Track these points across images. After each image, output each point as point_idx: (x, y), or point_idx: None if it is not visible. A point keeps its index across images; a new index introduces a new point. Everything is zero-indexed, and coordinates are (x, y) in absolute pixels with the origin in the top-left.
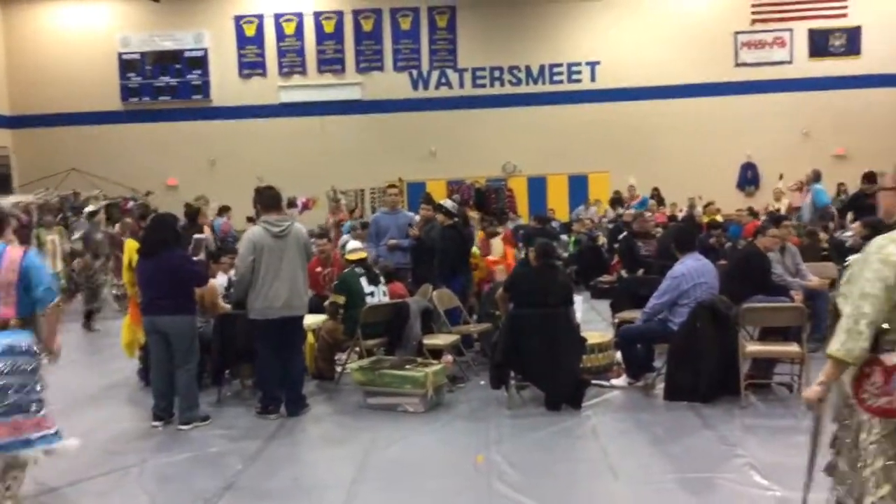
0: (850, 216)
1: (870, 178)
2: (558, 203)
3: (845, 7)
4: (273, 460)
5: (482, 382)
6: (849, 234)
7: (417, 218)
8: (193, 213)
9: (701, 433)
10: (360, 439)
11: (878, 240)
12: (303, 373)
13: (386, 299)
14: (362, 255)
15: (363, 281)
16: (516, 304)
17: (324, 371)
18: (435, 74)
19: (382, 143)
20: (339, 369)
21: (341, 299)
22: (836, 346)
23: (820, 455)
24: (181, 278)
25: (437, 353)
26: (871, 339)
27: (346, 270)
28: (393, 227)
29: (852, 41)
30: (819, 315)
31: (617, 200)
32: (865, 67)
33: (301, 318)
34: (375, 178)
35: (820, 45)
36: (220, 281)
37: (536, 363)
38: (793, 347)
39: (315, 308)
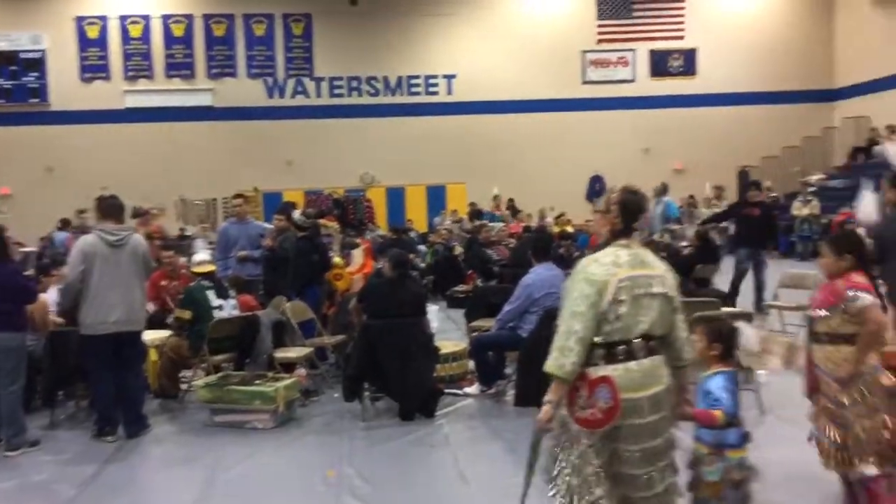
0: (684, 226)
1: (755, 185)
2: (417, 214)
3: (682, 30)
4: (109, 485)
5: (336, 395)
6: (685, 243)
7: (270, 228)
8: None
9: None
10: (205, 459)
11: (584, 259)
12: (142, 391)
13: (235, 313)
14: (210, 267)
15: (211, 294)
16: (370, 315)
17: (167, 389)
18: (291, 82)
19: (236, 151)
20: (184, 387)
21: (187, 314)
22: (549, 362)
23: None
24: (6, 293)
25: (289, 366)
26: (582, 354)
27: (192, 284)
28: (243, 237)
29: (689, 62)
30: None
31: (475, 212)
32: (701, 87)
33: (138, 333)
34: (229, 188)
35: (660, 65)
36: (50, 296)
37: (390, 374)
38: None
39: (160, 323)
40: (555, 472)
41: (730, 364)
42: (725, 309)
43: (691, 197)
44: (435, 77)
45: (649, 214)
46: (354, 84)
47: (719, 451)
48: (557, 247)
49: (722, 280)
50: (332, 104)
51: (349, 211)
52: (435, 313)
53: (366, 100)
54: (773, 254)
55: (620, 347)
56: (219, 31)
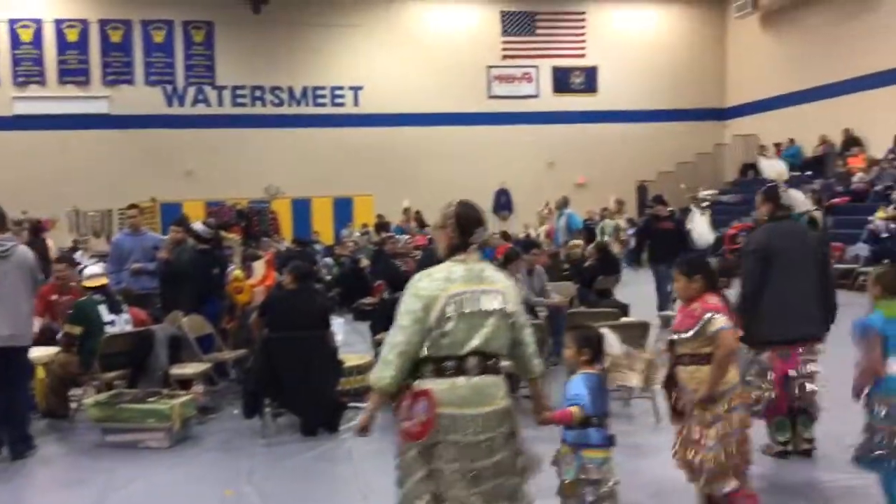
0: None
1: (659, 201)
2: (323, 226)
3: (584, 49)
4: None
5: (236, 412)
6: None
7: (166, 239)
8: None
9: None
10: (95, 481)
11: (417, 274)
12: (28, 410)
13: (128, 328)
14: (101, 281)
15: (102, 309)
16: (271, 328)
17: (55, 408)
18: (191, 91)
19: (133, 160)
20: (74, 406)
21: (77, 329)
22: (371, 373)
23: None
24: None
25: (186, 383)
26: (403, 368)
27: (82, 298)
28: (137, 249)
29: (590, 79)
30: (559, 331)
31: (382, 224)
32: (601, 104)
33: (24, 349)
34: (125, 198)
35: (562, 81)
36: None
37: (292, 388)
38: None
39: (50, 339)
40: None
41: (596, 369)
42: (625, 319)
43: (604, 209)
44: (341, 89)
45: (555, 227)
46: (258, 94)
47: (577, 450)
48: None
49: (626, 292)
50: (234, 113)
51: (254, 223)
52: (340, 326)
53: (270, 110)
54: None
55: (450, 363)
56: (115, 36)
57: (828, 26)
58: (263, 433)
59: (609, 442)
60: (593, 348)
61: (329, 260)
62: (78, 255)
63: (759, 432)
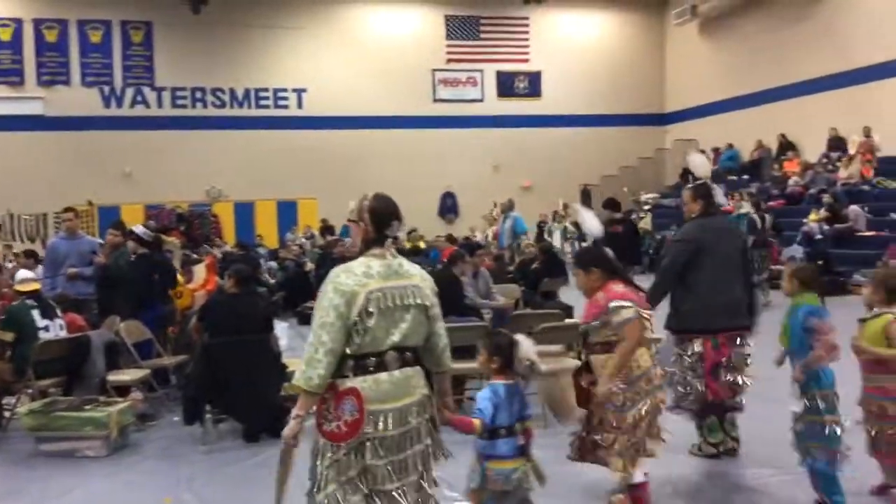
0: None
1: (611, 205)
2: (267, 229)
3: (527, 54)
4: None
5: (176, 419)
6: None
7: (103, 243)
8: None
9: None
10: (29, 491)
11: (335, 269)
12: None
13: (63, 334)
14: (34, 286)
15: (35, 314)
16: (212, 333)
17: None
18: (130, 92)
19: (70, 162)
20: (7, 414)
21: (8, 336)
22: (297, 375)
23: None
24: None
25: (123, 389)
26: (331, 366)
27: (14, 303)
28: (73, 253)
29: (534, 84)
30: None
31: (327, 228)
32: (545, 108)
33: None
34: (61, 201)
35: (507, 86)
36: None
37: (233, 394)
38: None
39: None
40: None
41: (509, 376)
42: (569, 320)
43: (556, 212)
44: (285, 90)
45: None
46: (199, 95)
47: (482, 460)
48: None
49: (575, 294)
50: (174, 115)
51: (195, 226)
52: (284, 330)
53: (211, 111)
54: (635, 269)
55: (371, 359)
56: (50, 36)
57: (764, 34)
58: (204, 440)
59: (520, 452)
60: (505, 355)
61: (273, 264)
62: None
63: (686, 431)
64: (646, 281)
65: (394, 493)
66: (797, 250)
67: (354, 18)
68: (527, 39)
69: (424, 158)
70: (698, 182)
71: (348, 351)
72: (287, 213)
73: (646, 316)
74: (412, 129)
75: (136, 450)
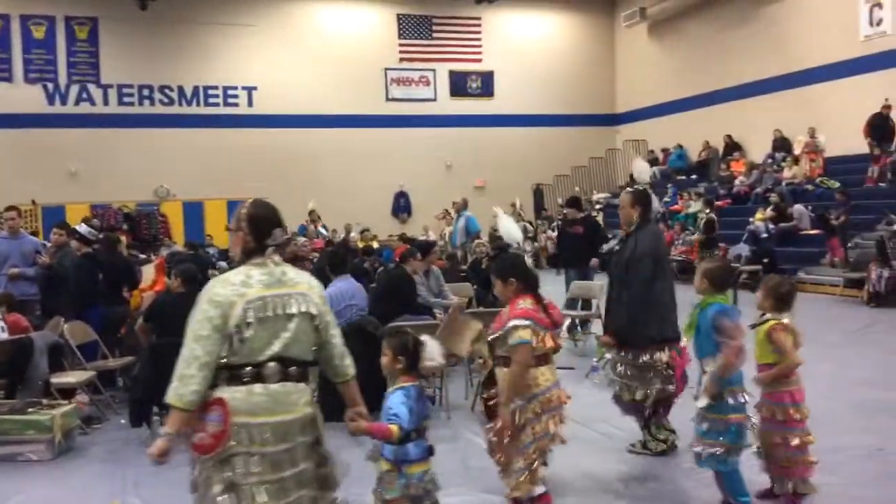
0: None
1: (573, 203)
2: (217, 229)
3: (480, 53)
4: None
5: (123, 421)
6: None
7: (48, 244)
8: None
9: (351, 451)
10: None
11: (212, 280)
12: None
13: (4, 335)
14: None
15: None
16: (159, 333)
17: None
18: (75, 89)
19: (12, 161)
20: None
21: None
22: (170, 391)
23: None
24: None
25: (68, 392)
26: (206, 380)
27: None
28: (15, 253)
29: (487, 84)
30: None
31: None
32: (498, 108)
33: None
34: (3, 200)
35: (459, 85)
36: None
37: None
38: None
39: None
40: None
41: (414, 377)
42: None
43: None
44: (235, 89)
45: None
46: (146, 92)
47: (398, 467)
48: (362, 261)
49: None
50: (121, 113)
51: (142, 226)
52: None
53: (159, 109)
54: (591, 265)
55: (246, 370)
56: None
57: (711, 36)
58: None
59: (429, 453)
60: (410, 356)
61: (224, 264)
62: None
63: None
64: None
65: None
66: (743, 248)
67: (306, 16)
68: (479, 39)
69: (377, 158)
70: (638, 188)
71: (222, 361)
72: None
73: (543, 335)
74: (365, 128)
75: (81, 453)
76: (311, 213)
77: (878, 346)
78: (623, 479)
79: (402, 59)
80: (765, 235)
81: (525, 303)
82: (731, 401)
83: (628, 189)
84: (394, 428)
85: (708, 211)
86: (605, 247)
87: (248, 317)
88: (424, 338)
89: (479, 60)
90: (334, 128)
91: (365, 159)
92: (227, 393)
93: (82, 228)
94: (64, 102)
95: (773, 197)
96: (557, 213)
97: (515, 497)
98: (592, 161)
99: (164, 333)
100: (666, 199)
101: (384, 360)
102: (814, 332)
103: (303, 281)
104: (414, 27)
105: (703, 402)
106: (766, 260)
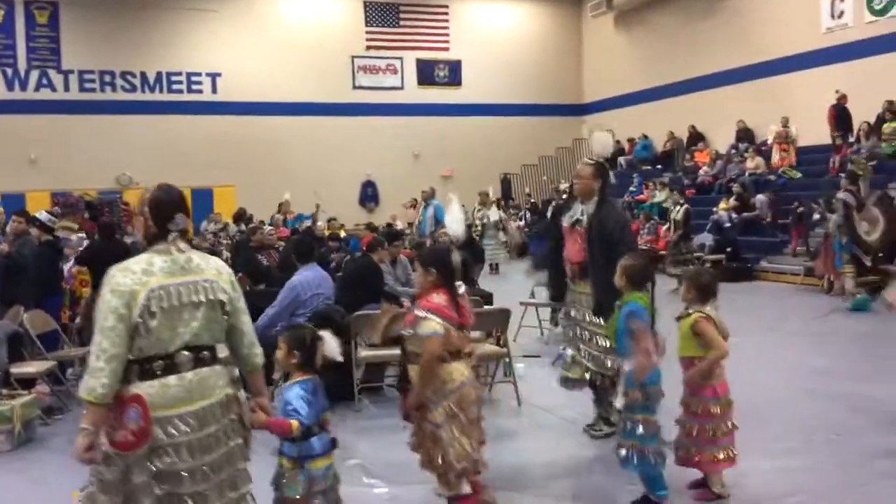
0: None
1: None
2: None
3: (447, 42)
4: None
5: (84, 412)
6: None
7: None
8: None
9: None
10: None
11: (112, 269)
12: None
13: None
14: None
15: None
16: None
17: None
18: (35, 74)
19: None
20: None
21: None
22: (81, 386)
23: None
24: None
25: (28, 382)
26: (116, 373)
27: None
28: None
29: (454, 73)
30: None
31: (240, 216)
32: (466, 97)
33: None
34: None
35: (427, 74)
36: None
37: None
38: (398, 351)
39: None
40: None
41: (310, 372)
42: (488, 307)
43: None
44: (199, 75)
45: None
46: (108, 78)
47: (301, 464)
48: (329, 251)
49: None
50: (82, 99)
51: (104, 214)
52: None
53: (121, 95)
54: None
55: (158, 362)
56: None
57: (675, 27)
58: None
59: (332, 446)
60: (305, 351)
61: None
62: None
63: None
64: None
65: (196, 496)
66: (707, 238)
67: (271, 2)
68: (447, 28)
69: (344, 146)
70: (600, 160)
71: (132, 356)
72: (202, 201)
73: (451, 332)
74: (331, 116)
75: (42, 444)
76: (286, 203)
77: (836, 335)
78: (587, 463)
79: (368, 47)
80: (728, 225)
81: (438, 297)
82: (647, 401)
83: (589, 160)
84: (294, 423)
85: (682, 202)
86: (567, 218)
87: (152, 306)
88: (324, 333)
89: (447, 49)
90: (300, 115)
91: (331, 148)
92: (142, 388)
93: (42, 216)
94: (24, 88)
95: (736, 187)
96: (525, 203)
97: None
98: (559, 150)
99: None
100: (632, 188)
101: (279, 353)
102: (774, 320)
103: (210, 267)
104: (381, 15)
105: (620, 402)
106: (728, 249)
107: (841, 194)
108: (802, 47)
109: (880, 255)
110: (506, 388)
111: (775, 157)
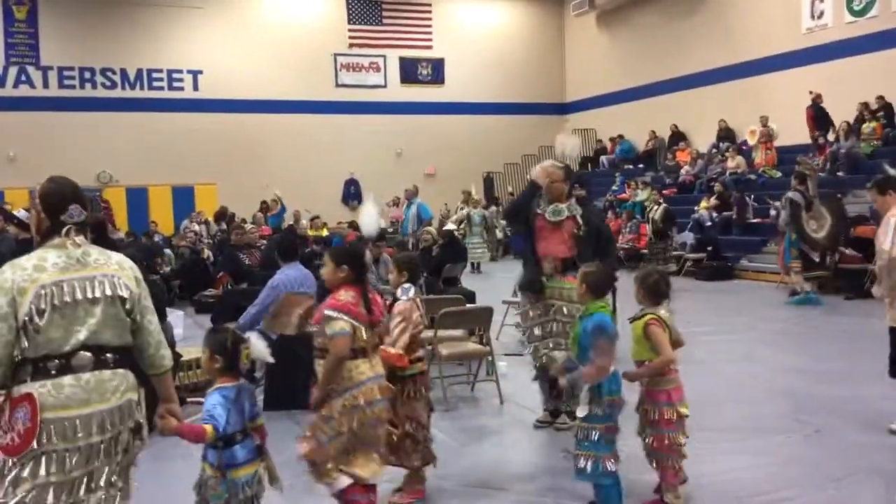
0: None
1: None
2: (162, 216)
3: (430, 40)
4: None
5: None
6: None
7: None
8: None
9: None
10: None
11: (4, 266)
12: None
13: None
14: None
15: None
16: None
17: None
18: (13, 71)
19: None
20: None
21: None
22: None
23: None
24: None
25: None
26: (2, 376)
27: None
28: None
29: (437, 71)
30: None
31: (221, 214)
32: (448, 95)
33: None
34: None
35: (410, 72)
36: None
37: None
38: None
39: None
40: None
41: (234, 377)
42: (470, 305)
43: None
44: (180, 72)
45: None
46: (88, 75)
47: (223, 472)
48: (313, 253)
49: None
50: (62, 96)
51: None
52: (180, 318)
53: (101, 92)
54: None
55: (53, 362)
56: None
57: (657, 27)
58: None
59: (257, 454)
60: (228, 355)
61: (170, 252)
62: None
63: None
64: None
65: (90, 500)
66: (688, 237)
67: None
68: (430, 26)
69: (327, 144)
70: (567, 163)
71: (28, 354)
72: (183, 198)
73: (360, 329)
74: (314, 113)
75: None
76: (273, 202)
77: (815, 332)
78: (569, 460)
79: (351, 45)
80: (709, 224)
81: (346, 295)
82: (607, 410)
83: (558, 163)
84: (208, 428)
85: (661, 202)
86: (550, 214)
87: (42, 304)
88: (250, 335)
89: (430, 47)
90: (282, 113)
91: (314, 146)
92: (34, 388)
93: (21, 214)
94: (2, 85)
95: (717, 186)
96: (507, 201)
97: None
98: (542, 149)
99: None
100: (614, 187)
101: (202, 358)
102: (754, 318)
103: (111, 262)
104: (364, 12)
105: (581, 411)
106: (710, 248)
107: (790, 193)
108: (783, 47)
109: (827, 251)
110: (488, 387)
111: (760, 156)
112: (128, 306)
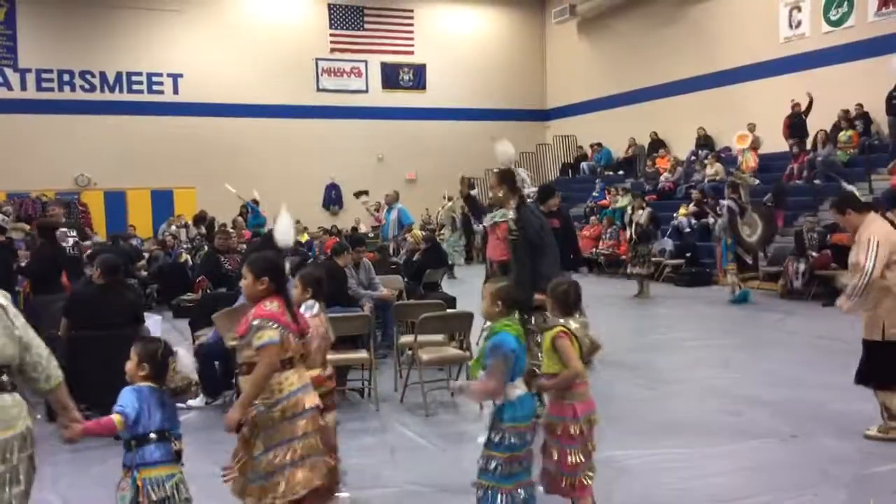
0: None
1: (546, 194)
2: (140, 219)
3: (412, 46)
4: None
5: (39, 416)
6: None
7: None
8: None
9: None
10: None
11: None
12: None
13: None
14: None
15: None
16: (77, 325)
17: None
18: None
19: None
20: None
21: None
22: None
23: None
24: None
25: None
26: None
27: None
28: None
29: (419, 77)
30: (388, 323)
31: (200, 218)
32: (430, 101)
33: None
34: None
35: (391, 77)
36: None
37: (98, 389)
38: (362, 354)
39: None
40: None
41: (159, 383)
42: (451, 311)
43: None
44: (159, 75)
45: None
46: (66, 78)
47: (132, 471)
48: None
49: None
50: (40, 99)
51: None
52: (157, 323)
53: (80, 95)
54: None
55: None
56: None
57: (638, 35)
58: (58, 437)
59: (175, 458)
60: (155, 365)
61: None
62: None
63: None
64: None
65: None
66: (667, 243)
67: (234, 2)
68: (411, 32)
69: (308, 149)
70: (504, 168)
71: None
72: (162, 202)
73: (288, 339)
74: (295, 118)
75: None
76: (254, 202)
77: (792, 338)
78: None
79: (333, 50)
80: (688, 230)
81: (272, 305)
82: (513, 439)
83: (494, 170)
84: (116, 417)
85: (646, 206)
86: (487, 220)
87: None
88: (179, 350)
89: (412, 53)
90: (263, 117)
91: (295, 150)
92: None
93: None
94: None
95: (695, 193)
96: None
97: None
98: (522, 156)
99: (81, 325)
100: (594, 193)
101: (129, 365)
102: (731, 324)
103: None
104: (345, 17)
105: (482, 438)
106: (688, 254)
107: (725, 201)
108: (761, 56)
109: (759, 253)
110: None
111: (750, 162)
112: (10, 315)
